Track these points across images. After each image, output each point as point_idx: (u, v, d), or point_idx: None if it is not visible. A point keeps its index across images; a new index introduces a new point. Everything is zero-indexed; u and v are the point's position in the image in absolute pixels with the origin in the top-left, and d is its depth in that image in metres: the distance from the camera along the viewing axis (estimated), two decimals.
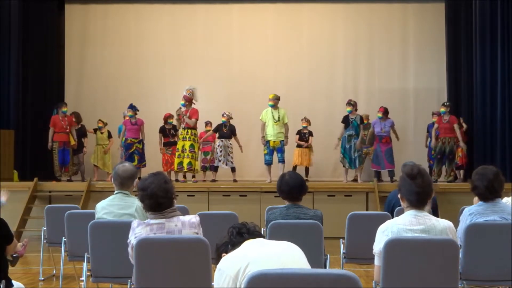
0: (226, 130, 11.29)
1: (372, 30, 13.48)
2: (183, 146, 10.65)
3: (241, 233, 2.57)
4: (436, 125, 11.09)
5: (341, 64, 13.50)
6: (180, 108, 10.69)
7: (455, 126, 10.92)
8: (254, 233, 2.58)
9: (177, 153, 10.77)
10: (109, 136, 12.10)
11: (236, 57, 13.54)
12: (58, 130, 11.10)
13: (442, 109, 10.99)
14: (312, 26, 13.56)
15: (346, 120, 11.08)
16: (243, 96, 13.13)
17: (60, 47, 13.69)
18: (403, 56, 13.42)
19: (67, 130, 11.15)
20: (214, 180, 11.20)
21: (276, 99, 10.84)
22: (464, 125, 11.61)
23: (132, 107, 11.38)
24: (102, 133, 12.00)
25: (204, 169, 11.50)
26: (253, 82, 13.25)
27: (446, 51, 13.07)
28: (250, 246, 2.50)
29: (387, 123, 11.26)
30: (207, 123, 11.84)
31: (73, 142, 11.23)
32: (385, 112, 11.29)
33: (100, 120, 11.99)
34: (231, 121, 11.43)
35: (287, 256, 2.45)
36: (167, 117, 11.62)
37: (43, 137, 12.93)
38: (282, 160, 10.91)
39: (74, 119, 11.47)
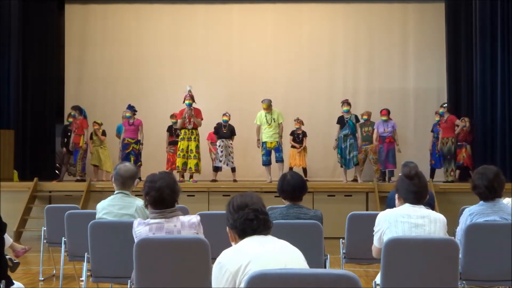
0: (226, 130, 11.30)
1: (372, 30, 13.48)
2: (187, 147, 10.62)
3: (245, 231, 2.58)
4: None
5: (341, 64, 13.50)
6: (190, 108, 10.61)
7: (457, 121, 10.93)
8: (258, 233, 2.58)
9: (181, 154, 10.68)
10: (103, 134, 12.11)
11: (236, 57, 13.54)
12: (74, 132, 11.30)
13: (441, 110, 11.04)
14: (312, 26, 13.56)
15: (341, 120, 11.05)
16: (243, 96, 13.12)
17: (60, 47, 13.70)
18: (403, 56, 13.42)
19: (78, 133, 11.25)
20: (214, 180, 11.20)
21: (269, 105, 10.79)
22: (468, 124, 11.56)
23: (130, 108, 11.37)
24: (96, 134, 12.01)
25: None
26: (253, 82, 13.24)
27: (446, 51, 13.07)
28: (251, 243, 2.52)
29: (389, 123, 11.28)
30: None
31: (81, 144, 11.26)
32: (388, 113, 11.35)
33: (95, 122, 11.98)
34: (230, 121, 11.44)
35: (287, 256, 2.47)
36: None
37: (43, 137, 13.00)
38: (280, 159, 10.91)
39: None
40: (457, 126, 11.01)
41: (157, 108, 12.97)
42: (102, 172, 12.07)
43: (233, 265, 2.40)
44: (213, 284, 2.47)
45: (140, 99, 12.58)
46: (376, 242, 3.59)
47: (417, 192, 3.52)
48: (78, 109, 11.41)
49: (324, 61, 13.46)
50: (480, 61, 11.43)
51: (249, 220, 2.56)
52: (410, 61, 13.39)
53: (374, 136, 11.34)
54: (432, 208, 5.77)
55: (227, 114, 11.36)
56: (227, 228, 2.66)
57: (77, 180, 11.29)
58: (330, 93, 13.26)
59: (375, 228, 3.60)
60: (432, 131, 11.89)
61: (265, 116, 10.78)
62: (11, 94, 12.01)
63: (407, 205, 3.54)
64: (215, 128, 11.60)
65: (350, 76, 13.45)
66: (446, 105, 11.27)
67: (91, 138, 11.87)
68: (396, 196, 3.69)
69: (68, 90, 13.68)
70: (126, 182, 4.37)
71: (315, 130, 12.41)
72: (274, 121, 10.76)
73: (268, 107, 10.75)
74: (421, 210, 3.51)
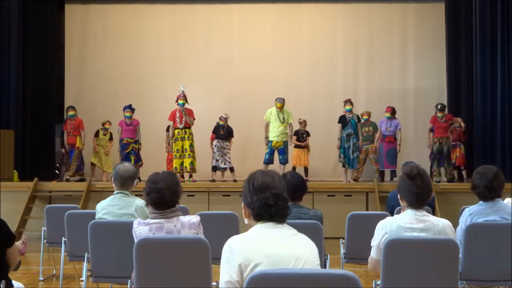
0: (223, 132, 11.32)
1: (372, 30, 13.48)
2: (182, 146, 10.65)
3: (261, 215, 2.49)
4: (430, 125, 11.10)
5: (341, 64, 13.49)
6: (184, 108, 10.65)
7: (454, 119, 10.99)
8: (274, 220, 2.50)
9: (177, 154, 10.72)
10: (110, 138, 12.07)
11: (236, 57, 13.53)
12: (67, 133, 11.29)
13: (440, 114, 10.90)
14: (312, 26, 13.55)
15: (343, 120, 11.03)
16: (243, 96, 13.12)
17: (60, 47, 13.70)
18: (403, 56, 13.41)
19: (74, 134, 11.25)
20: (213, 180, 11.19)
21: (283, 105, 10.79)
22: (463, 124, 11.56)
23: (130, 108, 11.36)
24: (105, 134, 11.97)
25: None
26: (253, 82, 13.24)
27: (446, 51, 13.07)
28: (265, 239, 2.43)
29: (393, 123, 11.28)
30: None
31: (78, 144, 11.26)
32: (393, 112, 11.36)
33: (108, 121, 11.92)
34: (228, 123, 11.43)
35: (299, 260, 2.39)
36: None
37: (43, 137, 12.99)
38: (284, 162, 10.89)
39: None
40: (452, 123, 11.03)
41: (157, 108, 12.95)
42: (102, 173, 12.04)
43: (243, 259, 2.35)
44: (222, 265, 2.40)
45: (140, 99, 12.57)
46: (374, 254, 3.43)
47: (419, 193, 3.28)
48: (73, 110, 11.40)
49: (324, 61, 13.45)
50: (480, 61, 11.42)
51: (268, 205, 2.47)
52: (410, 61, 13.38)
53: (377, 134, 11.33)
54: (432, 208, 5.78)
55: (222, 118, 11.35)
56: (242, 203, 2.58)
57: (77, 180, 11.29)
58: (330, 93, 13.26)
59: (374, 242, 3.42)
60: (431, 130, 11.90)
61: (278, 114, 10.77)
62: (11, 94, 12.00)
63: (409, 212, 3.35)
64: (214, 128, 11.59)
65: (350, 76, 13.45)
66: (442, 106, 11.13)
67: (97, 135, 11.83)
68: (399, 196, 3.46)
69: (68, 90, 13.67)
70: (125, 182, 4.37)
71: (314, 130, 12.39)
72: (285, 121, 10.78)
73: (282, 106, 10.76)
74: (424, 220, 3.32)
